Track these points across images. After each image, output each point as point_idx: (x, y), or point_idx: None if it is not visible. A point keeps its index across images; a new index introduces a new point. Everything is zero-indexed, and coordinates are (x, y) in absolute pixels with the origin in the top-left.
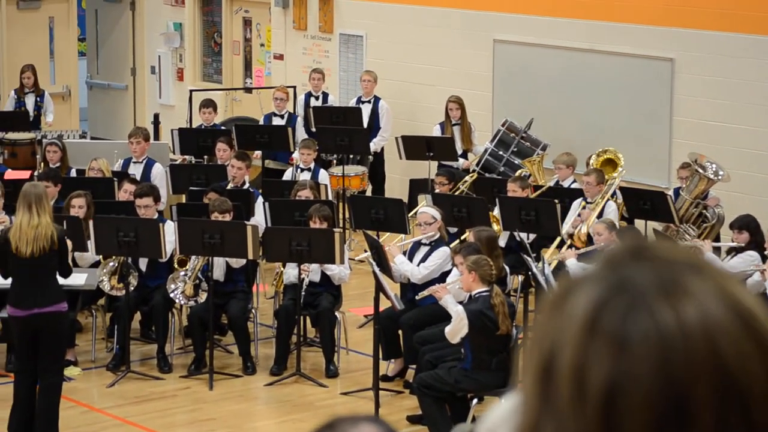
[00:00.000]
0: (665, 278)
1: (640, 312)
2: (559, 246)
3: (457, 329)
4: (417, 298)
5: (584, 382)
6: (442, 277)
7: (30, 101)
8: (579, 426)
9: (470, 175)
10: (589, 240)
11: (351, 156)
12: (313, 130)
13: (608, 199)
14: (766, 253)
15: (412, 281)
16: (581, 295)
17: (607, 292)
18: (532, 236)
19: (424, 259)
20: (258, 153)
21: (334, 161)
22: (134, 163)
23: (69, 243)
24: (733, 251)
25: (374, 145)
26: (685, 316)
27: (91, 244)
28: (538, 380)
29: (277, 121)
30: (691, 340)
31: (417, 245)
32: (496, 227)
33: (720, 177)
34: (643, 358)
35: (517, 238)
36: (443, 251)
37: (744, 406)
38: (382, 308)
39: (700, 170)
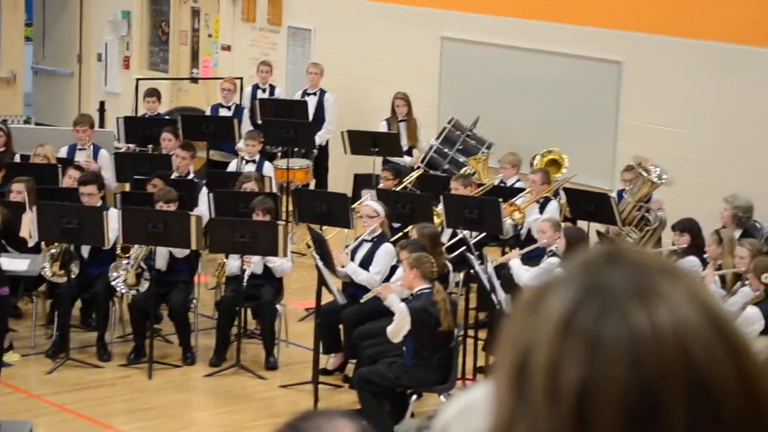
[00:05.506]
0: (638, 281)
1: (613, 314)
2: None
3: (399, 328)
4: (361, 301)
5: (558, 381)
6: (391, 272)
7: None
8: (553, 424)
9: (416, 170)
10: (531, 239)
11: (296, 149)
12: (259, 122)
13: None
14: (705, 257)
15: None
16: (556, 296)
17: (582, 293)
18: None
19: (367, 256)
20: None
21: (279, 154)
22: (80, 149)
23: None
24: (674, 254)
25: (319, 138)
26: (658, 318)
27: (34, 229)
28: (511, 379)
29: (224, 113)
30: (663, 342)
31: (360, 242)
32: (436, 221)
33: (663, 180)
34: (615, 359)
35: (460, 235)
36: (387, 249)
37: (714, 406)
38: (323, 302)
39: (644, 173)
